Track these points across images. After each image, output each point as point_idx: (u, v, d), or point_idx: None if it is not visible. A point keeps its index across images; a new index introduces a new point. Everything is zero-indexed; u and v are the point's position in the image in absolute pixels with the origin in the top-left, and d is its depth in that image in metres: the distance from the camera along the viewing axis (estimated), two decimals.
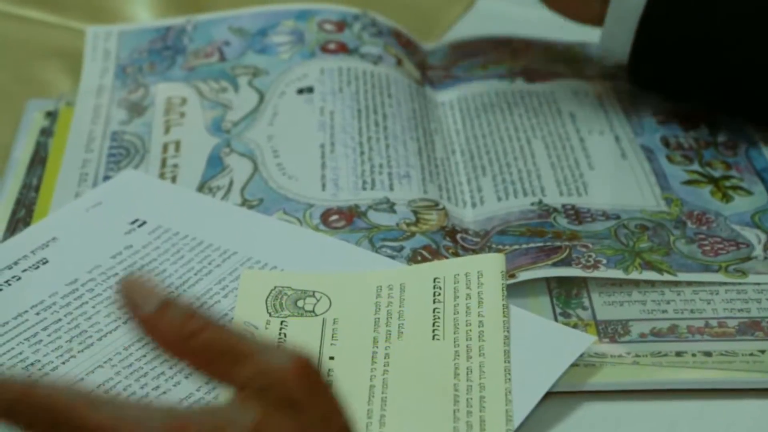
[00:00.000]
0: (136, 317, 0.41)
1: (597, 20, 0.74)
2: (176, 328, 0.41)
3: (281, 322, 0.58)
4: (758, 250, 0.65)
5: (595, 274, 0.63)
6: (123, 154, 0.73)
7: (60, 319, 0.59)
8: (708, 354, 0.59)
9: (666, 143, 0.74)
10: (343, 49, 0.79)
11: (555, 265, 0.63)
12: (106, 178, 0.70)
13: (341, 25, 0.82)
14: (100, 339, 0.58)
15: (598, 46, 0.75)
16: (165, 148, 0.73)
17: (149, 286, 0.42)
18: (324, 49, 0.79)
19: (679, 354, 0.59)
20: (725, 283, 0.63)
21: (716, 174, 0.71)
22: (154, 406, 0.40)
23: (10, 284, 0.62)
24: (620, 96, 0.79)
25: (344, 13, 0.83)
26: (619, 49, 0.73)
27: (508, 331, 0.58)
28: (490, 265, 0.61)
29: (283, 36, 0.81)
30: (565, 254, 0.64)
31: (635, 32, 0.72)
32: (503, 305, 0.59)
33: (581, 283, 0.63)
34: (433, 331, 0.58)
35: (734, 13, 0.71)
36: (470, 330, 0.58)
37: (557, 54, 0.83)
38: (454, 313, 0.59)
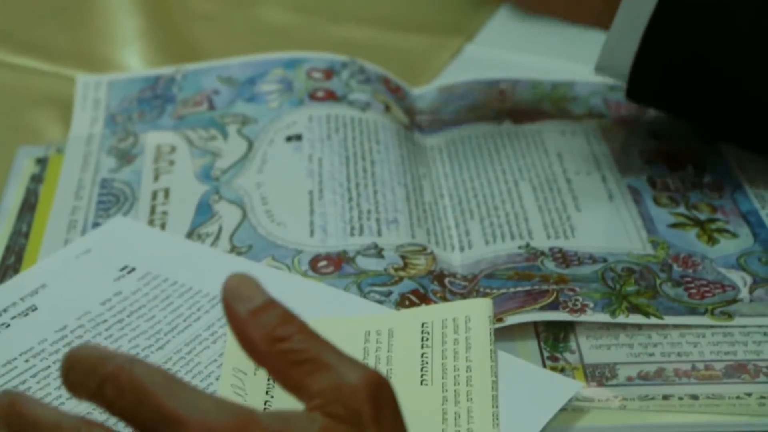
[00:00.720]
0: (230, 315, 0.43)
1: (596, 20, 0.73)
2: (265, 332, 0.42)
3: None
4: (744, 293, 0.65)
5: (582, 318, 0.63)
6: (112, 201, 0.73)
7: (49, 366, 0.59)
8: (695, 397, 0.59)
9: (653, 184, 0.74)
10: (331, 96, 0.80)
11: (542, 309, 0.63)
12: (96, 225, 0.71)
13: (329, 73, 0.82)
14: None
15: (598, 57, 0.74)
16: (154, 195, 0.73)
17: (254, 284, 0.43)
18: (312, 97, 0.80)
19: (666, 397, 0.59)
20: (712, 326, 0.63)
21: (702, 217, 0.72)
22: (224, 401, 0.42)
23: None
24: (607, 135, 0.79)
25: (332, 61, 0.83)
26: (621, 61, 0.72)
27: (496, 376, 0.58)
28: (478, 310, 0.61)
29: (272, 84, 0.81)
30: (552, 298, 0.64)
31: (640, 40, 0.71)
32: (491, 350, 0.59)
33: (569, 326, 0.63)
34: (422, 376, 0.58)
35: (737, 31, 0.70)
36: (458, 375, 0.58)
37: (544, 94, 0.84)
38: (442, 358, 0.59)
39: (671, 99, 0.75)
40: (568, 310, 0.63)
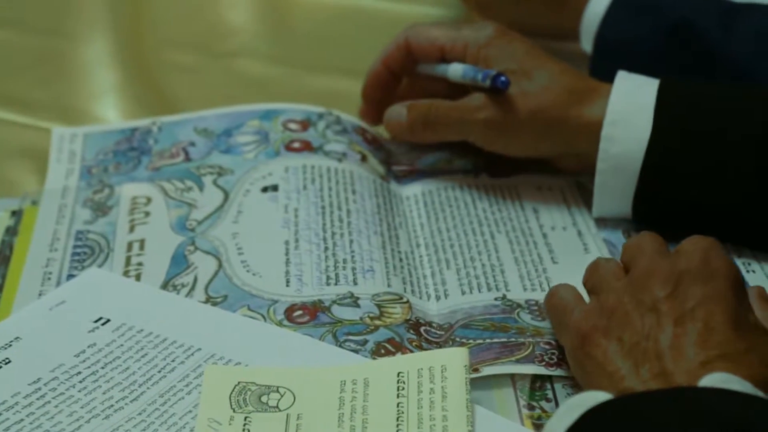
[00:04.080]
0: None
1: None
2: None
3: (245, 418, 0.58)
4: None
5: (559, 371, 0.63)
6: (87, 253, 0.73)
7: (22, 420, 0.59)
8: None
9: (628, 236, 0.75)
10: (307, 147, 0.80)
11: (519, 361, 0.63)
12: (70, 276, 0.70)
13: (305, 124, 0.83)
14: None
15: (593, 208, 0.76)
16: (129, 246, 0.73)
17: None
18: (288, 148, 0.80)
19: None
20: None
21: None
22: None
23: None
24: (582, 191, 0.79)
25: (308, 112, 0.84)
26: (618, 207, 0.75)
27: (472, 426, 0.58)
28: (454, 359, 0.61)
29: (248, 136, 0.82)
30: (528, 351, 0.64)
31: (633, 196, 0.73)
32: (467, 400, 0.59)
33: (545, 375, 0.63)
34: (397, 425, 0.58)
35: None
36: (434, 425, 0.58)
37: None
38: (418, 408, 0.59)
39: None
40: (544, 363, 0.63)
